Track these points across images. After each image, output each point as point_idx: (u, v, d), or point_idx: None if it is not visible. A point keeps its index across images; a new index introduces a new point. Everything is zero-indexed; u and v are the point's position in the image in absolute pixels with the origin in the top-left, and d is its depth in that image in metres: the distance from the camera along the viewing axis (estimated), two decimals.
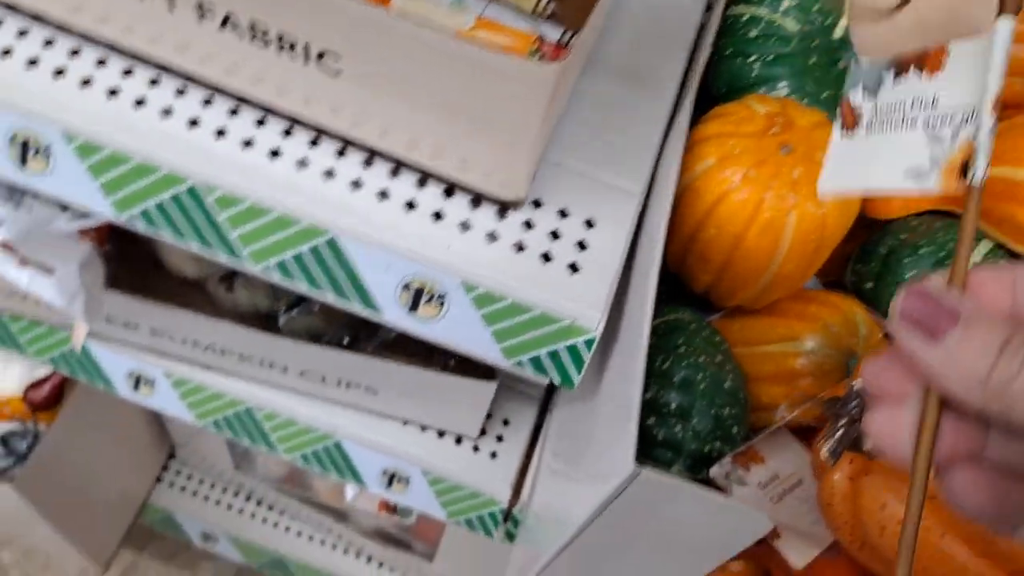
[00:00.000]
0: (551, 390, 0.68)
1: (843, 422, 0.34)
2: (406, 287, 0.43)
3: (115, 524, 0.88)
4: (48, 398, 0.70)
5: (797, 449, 0.42)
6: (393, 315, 0.44)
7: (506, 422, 0.66)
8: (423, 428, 0.64)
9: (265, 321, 0.58)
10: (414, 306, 0.44)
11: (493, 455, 0.64)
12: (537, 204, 0.45)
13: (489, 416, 0.65)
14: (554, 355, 0.44)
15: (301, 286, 0.44)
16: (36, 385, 0.70)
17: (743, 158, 0.41)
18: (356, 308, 0.44)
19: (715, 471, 0.39)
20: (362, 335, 0.63)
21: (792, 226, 0.41)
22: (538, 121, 0.40)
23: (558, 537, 0.50)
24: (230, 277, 0.56)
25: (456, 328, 0.44)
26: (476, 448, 0.64)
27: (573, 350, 0.43)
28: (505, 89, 0.38)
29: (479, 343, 0.44)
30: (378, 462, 0.64)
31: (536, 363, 0.44)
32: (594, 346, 0.43)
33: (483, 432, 0.64)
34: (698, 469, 0.42)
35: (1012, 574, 0.33)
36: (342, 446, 0.64)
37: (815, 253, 0.42)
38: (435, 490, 0.65)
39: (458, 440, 0.65)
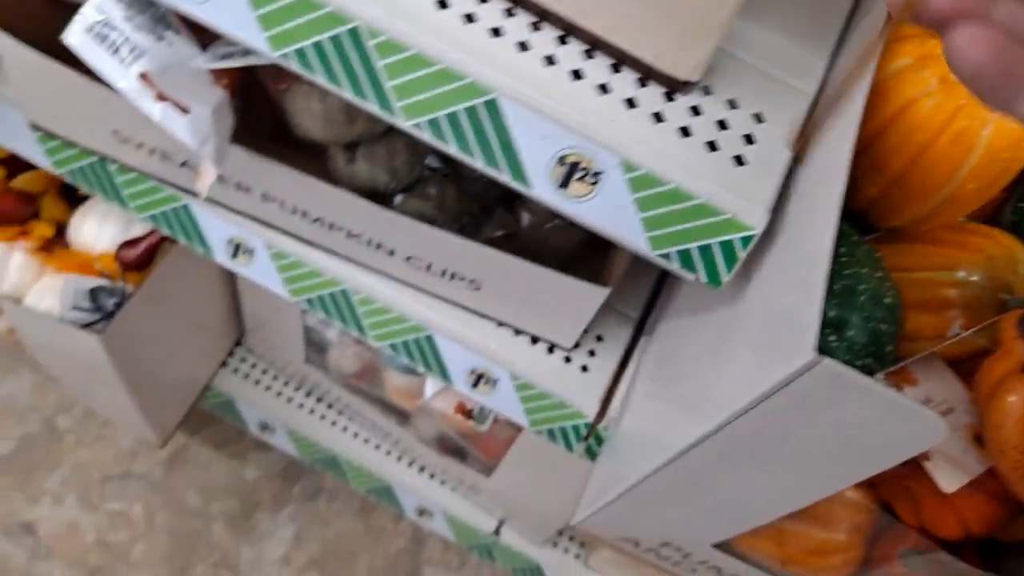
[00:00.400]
0: (647, 312, 0.67)
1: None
2: (561, 160, 0.41)
3: (180, 400, 0.88)
4: (140, 258, 0.69)
5: (951, 377, 0.40)
6: (542, 189, 0.42)
7: (599, 338, 0.65)
8: (517, 332, 0.63)
9: (379, 202, 0.56)
10: (565, 183, 0.42)
11: (584, 368, 0.63)
12: (706, 91, 0.42)
13: (584, 331, 0.64)
14: (706, 250, 0.42)
15: (451, 147, 0.42)
16: (130, 244, 0.69)
17: (941, 61, 0.39)
18: (504, 178, 0.43)
19: None
20: (468, 230, 0.61)
21: (986, 140, 0.38)
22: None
23: (654, 455, 0.49)
24: (353, 147, 0.55)
25: (605, 210, 0.42)
26: (568, 359, 0.63)
27: (727, 246, 0.41)
28: None
29: (627, 228, 0.42)
30: (468, 360, 0.63)
31: (684, 257, 0.42)
32: (751, 244, 0.41)
33: (576, 345, 0.63)
34: None
35: None
36: (434, 340, 0.63)
37: (1000, 175, 0.40)
38: (521, 396, 0.64)
39: (550, 349, 0.63)
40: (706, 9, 0.39)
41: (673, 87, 0.42)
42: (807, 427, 0.35)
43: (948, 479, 0.38)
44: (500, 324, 0.63)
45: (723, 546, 0.50)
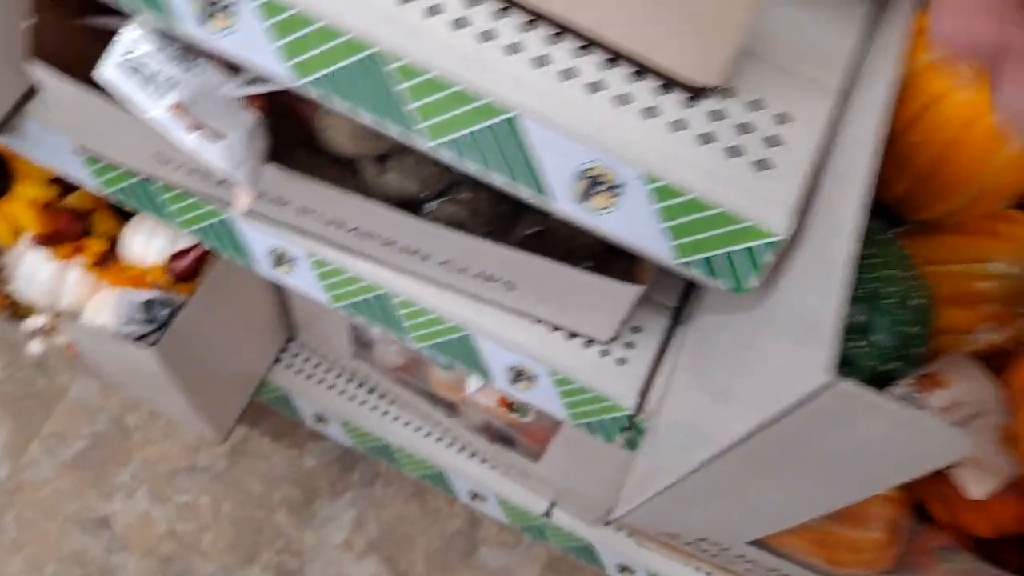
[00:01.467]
0: (684, 301, 0.67)
1: None
2: (582, 175, 0.41)
3: (236, 399, 0.92)
4: (189, 269, 0.72)
5: (983, 377, 0.40)
6: (564, 204, 0.43)
7: (636, 329, 0.65)
8: (554, 328, 0.64)
9: (412, 208, 0.57)
10: (586, 196, 0.42)
11: (622, 361, 0.64)
12: (728, 94, 0.42)
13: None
14: (729, 257, 0.42)
15: (472, 167, 0.43)
16: (179, 256, 0.72)
17: None
18: (526, 194, 0.43)
19: (893, 393, 0.38)
20: (500, 232, 0.62)
21: None
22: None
23: (693, 452, 0.49)
24: (383, 159, 0.56)
25: (627, 221, 0.42)
26: (605, 352, 0.64)
27: (751, 253, 0.41)
28: None
29: (650, 239, 0.43)
30: (506, 358, 0.64)
31: (708, 265, 0.42)
32: (776, 250, 0.41)
33: (613, 338, 0.64)
34: (874, 388, 0.40)
35: None
36: (473, 339, 0.64)
37: None
38: (560, 391, 0.64)
39: (588, 343, 0.64)
40: (725, 9, 0.38)
41: (695, 92, 0.41)
42: (827, 442, 0.35)
43: (977, 485, 0.37)
44: (537, 321, 0.64)
45: (758, 543, 0.50)
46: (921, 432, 0.31)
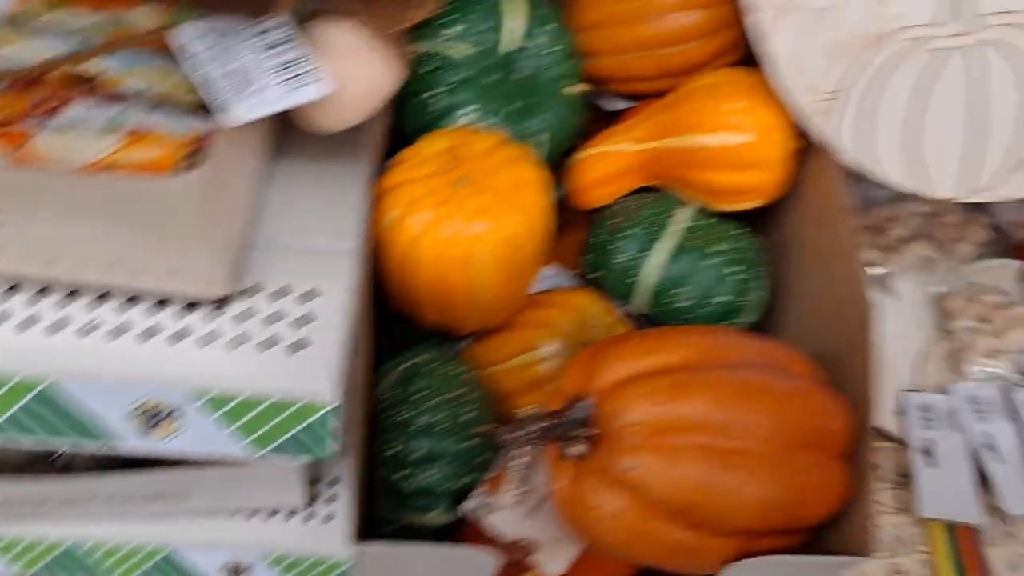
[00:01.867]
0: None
1: (522, 449, 0.36)
2: (134, 413, 0.43)
3: None
4: None
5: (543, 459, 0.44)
6: (132, 442, 0.44)
7: (335, 481, 0.66)
8: (253, 512, 0.64)
9: (46, 462, 0.56)
10: (150, 429, 0.44)
11: (328, 518, 0.65)
12: (253, 291, 0.45)
13: (318, 480, 0.65)
14: (301, 435, 0.44)
15: (28, 442, 0.43)
16: None
17: (423, 202, 0.43)
18: (93, 447, 0.44)
19: (466, 506, 0.41)
20: None
21: (484, 255, 0.43)
22: (208, 222, 0.40)
23: None
24: None
25: (197, 438, 0.44)
26: (310, 516, 0.65)
27: (317, 426, 0.44)
28: (156, 206, 0.39)
29: (223, 445, 0.45)
30: (216, 559, 0.64)
31: (285, 448, 0.45)
32: (336, 417, 0.44)
33: (313, 499, 0.65)
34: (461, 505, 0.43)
35: (723, 535, 0.36)
36: (175, 554, 0.63)
37: (520, 270, 0.45)
38: (279, 569, 0.65)
39: (290, 514, 0.65)
40: (191, 234, 0.41)
41: (219, 302, 0.44)
42: None
43: (552, 563, 0.41)
44: (234, 512, 0.64)
45: None
46: (444, 560, 0.35)
